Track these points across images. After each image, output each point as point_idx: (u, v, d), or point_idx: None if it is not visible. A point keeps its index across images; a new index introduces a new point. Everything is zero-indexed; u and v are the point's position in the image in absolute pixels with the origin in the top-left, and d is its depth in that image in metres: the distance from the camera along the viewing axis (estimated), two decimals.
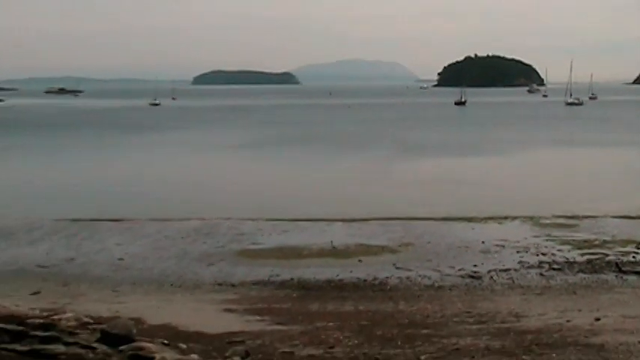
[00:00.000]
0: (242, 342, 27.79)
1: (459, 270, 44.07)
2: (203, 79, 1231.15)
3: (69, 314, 28.56)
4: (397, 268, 44.86)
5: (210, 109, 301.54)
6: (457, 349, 26.81)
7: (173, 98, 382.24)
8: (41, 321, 26.99)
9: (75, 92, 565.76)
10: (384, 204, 66.66)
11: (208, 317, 32.99)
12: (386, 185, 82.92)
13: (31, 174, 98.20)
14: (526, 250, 49.35)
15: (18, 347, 25.12)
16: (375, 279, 42.24)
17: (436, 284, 41.09)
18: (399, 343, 27.74)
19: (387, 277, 42.52)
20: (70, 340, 25.60)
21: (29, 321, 26.95)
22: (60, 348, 24.94)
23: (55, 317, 27.53)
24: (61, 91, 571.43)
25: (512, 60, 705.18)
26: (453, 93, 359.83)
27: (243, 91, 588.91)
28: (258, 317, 33.26)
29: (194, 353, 25.91)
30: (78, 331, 26.46)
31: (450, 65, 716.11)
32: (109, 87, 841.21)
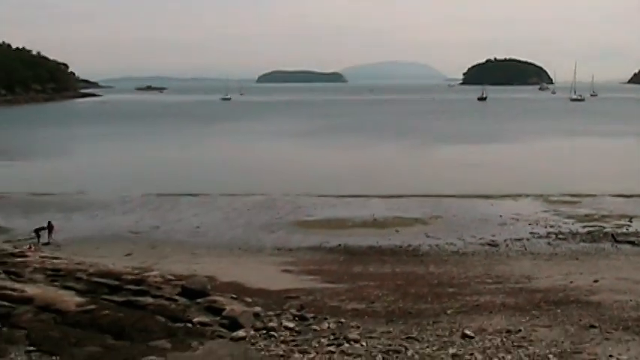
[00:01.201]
0: (297, 297, 27.96)
1: (480, 239, 44.06)
2: (265, 78, 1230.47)
3: (155, 272, 28.95)
4: (428, 237, 44.92)
5: (271, 103, 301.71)
6: (478, 305, 26.83)
7: (241, 94, 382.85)
8: (133, 277, 27.36)
9: (160, 89, 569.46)
10: (418, 183, 66.48)
11: (269, 276, 33.18)
12: (419, 167, 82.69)
13: (123, 156, 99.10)
14: (536, 222, 49.24)
15: (115, 298, 25.49)
16: (409, 246, 42.33)
17: (460, 251, 41.11)
18: (429, 299, 27.81)
19: (419, 245, 42.63)
20: (157, 293, 25.92)
21: (124, 277, 27.33)
22: (148, 300, 25.26)
23: (145, 274, 27.90)
24: (149, 88, 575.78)
25: (526, 62, 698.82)
26: (475, 90, 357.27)
27: (299, 89, 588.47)
28: (310, 277, 33.42)
29: (257, 306, 26.11)
30: (163, 286, 26.78)
31: (473, 66, 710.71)
32: (187, 85, 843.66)
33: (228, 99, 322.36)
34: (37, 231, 43.22)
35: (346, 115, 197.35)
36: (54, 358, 20.83)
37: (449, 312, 25.67)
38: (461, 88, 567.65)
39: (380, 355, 20.87)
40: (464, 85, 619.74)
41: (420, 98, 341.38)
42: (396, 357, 20.79)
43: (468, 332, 22.78)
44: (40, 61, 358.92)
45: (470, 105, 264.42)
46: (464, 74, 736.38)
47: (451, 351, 21.21)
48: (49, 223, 44.10)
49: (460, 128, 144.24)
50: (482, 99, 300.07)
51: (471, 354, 20.96)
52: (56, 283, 27.06)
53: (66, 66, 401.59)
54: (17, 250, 33.15)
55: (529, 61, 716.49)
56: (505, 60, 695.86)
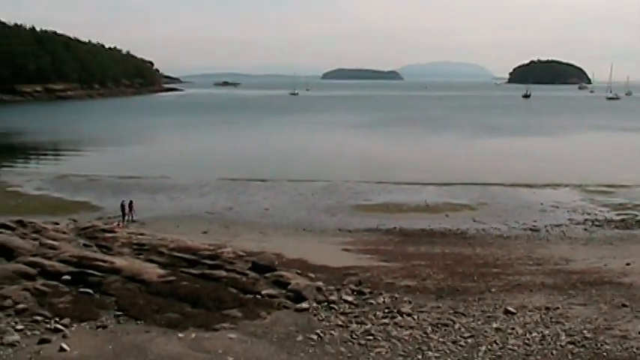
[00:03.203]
0: (355, 274, 27.94)
1: (522, 224, 43.60)
2: (330, 75, 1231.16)
3: (228, 249, 29.17)
4: (475, 221, 44.58)
5: (334, 98, 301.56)
6: (519, 284, 26.57)
7: (307, 89, 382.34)
8: (209, 253, 27.63)
9: (234, 84, 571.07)
10: (466, 172, 66.02)
11: (330, 254, 33.20)
12: (467, 157, 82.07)
13: (202, 144, 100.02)
14: (574, 210, 48.60)
15: (193, 271, 25.77)
16: (458, 229, 42.07)
17: (504, 234, 40.73)
18: (475, 278, 27.61)
19: (467, 228, 42.35)
20: (230, 267, 26.14)
21: (200, 252, 27.62)
22: (222, 273, 25.49)
23: (219, 250, 28.15)
24: (225, 84, 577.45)
25: (567, 64, 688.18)
26: (520, 88, 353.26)
27: (359, 85, 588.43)
28: (368, 256, 33.38)
29: (319, 281, 26.18)
30: (235, 261, 27.00)
31: (518, 67, 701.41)
32: (259, 81, 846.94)
33: (296, 94, 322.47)
34: (123, 207, 43.72)
35: (402, 110, 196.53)
36: (138, 322, 21.17)
37: (493, 290, 25.48)
38: (507, 86, 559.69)
39: (430, 328, 20.85)
40: (510, 84, 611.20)
41: (469, 95, 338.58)
42: (445, 330, 20.75)
43: (510, 308, 22.62)
44: (129, 59, 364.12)
45: (515, 101, 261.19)
46: (510, 74, 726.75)
47: (494, 325, 21.10)
48: (130, 201, 44.57)
49: (506, 122, 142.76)
50: (526, 96, 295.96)
51: (513, 328, 20.84)
52: (141, 257, 27.49)
53: (151, 63, 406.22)
54: (107, 227, 33.73)
55: (569, 62, 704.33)
56: (548, 61, 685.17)
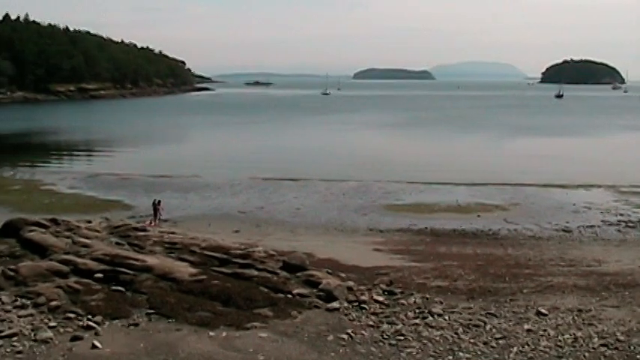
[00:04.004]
0: (387, 274, 27.90)
1: (555, 225, 43.18)
2: (361, 74, 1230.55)
3: (260, 248, 29.27)
4: (507, 222, 44.24)
5: (365, 97, 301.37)
6: (551, 285, 26.37)
7: (338, 89, 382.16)
8: (240, 252, 27.73)
9: (266, 84, 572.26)
10: (498, 172, 65.66)
11: (361, 254, 33.17)
12: (500, 157, 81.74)
13: (233, 143, 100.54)
14: (607, 211, 48.02)
15: (224, 270, 25.89)
16: (489, 230, 41.78)
17: (536, 235, 40.36)
18: (507, 279, 27.43)
19: (498, 229, 42.02)
20: (261, 266, 26.21)
21: (232, 251, 27.74)
22: (253, 272, 25.57)
23: (250, 250, 28.24)
24: (256, 83, 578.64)
25: (600, 63, 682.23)
26: (553, 88, 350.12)
27: (391, 85, 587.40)
28: (399, 256, 33.31)
29: (350, 280, 26.17)
30: (266, 260, 27.07)
31: (551, 66, 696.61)
32: (291, 80, 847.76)
33: (328, 94, 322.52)
34: (154, 205, 43.86)
35: (434, 109, 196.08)
36: (170, 320, 21.30)
37: (525, 291, 25.32)
38: (539, 86, 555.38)
39: (461, 329, 20.77)
40: (542, 84, 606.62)
41: (501, 94, 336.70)
42: (476, 331, 20.67)
43: (542, 310, 22.48)
44: (161, 58, 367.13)
45: (548, 101, 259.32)
46: (542, 73, 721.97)
47: (526, 327, 20.98)
48: (158, 201, 44.64)
49: (538, 122, 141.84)
50: (559, 96, 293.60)
51: (545, 330, 20.71)
52: (172, 255, 27.63)
53: (183, 63, 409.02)
54: (139, 225, 33.98)
55: (603, 62, 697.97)
56: (581, 61, 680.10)
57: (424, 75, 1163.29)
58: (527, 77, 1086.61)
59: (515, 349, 19.28)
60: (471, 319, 21.62)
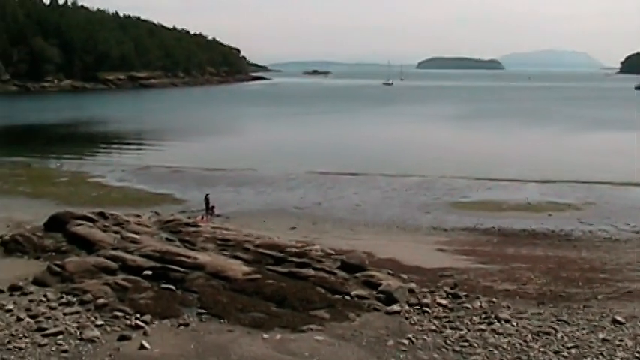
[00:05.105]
0: (451, 276, 27.83)
1: (633, 227, 42.44)
2: (425, 64, 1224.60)
3: (317, 246, 29.41)
4: (581, 222, 43.71)
5: (430, 88, 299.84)
6: (629, 291, 26.00)
7: (401, 79, 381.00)
8: (296, 250, 27.93)
9: (325, 73, 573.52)
10: (572, 169, 64.84)
11: (424, 254, 33.11)
12: (573, 153, 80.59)
13: (290, 135, 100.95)
14: None
15: (279, 269, 26.10)
16: (561, 230, 41.31)
17: (613, 237, 39.75)
18: (580, 284, 27.14)
19: (571, 230, 41.51)
20: (318, 266, 26.36)
21: (287, 250, 27.95)
22: (310, 271, 25.72)
23: (307, 248, 28.42)
24: (314, 73, 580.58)
25: None
26: (633, 79, 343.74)
27: (456, 75, 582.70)
28: (464, 257, 33.16)
29: (412, 282, 26.18)
30: (323, 259, 27.21)
31: (631, 55, 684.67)
32: (351, 69, 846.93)
33: (390, 84, 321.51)
34: (207, 200, 44.15)
35: (502, 101, 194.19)
36: (222, 321, 21.58)
37: (599, 297, 25.02)
38: (617, 76, 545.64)
39: (530, 336, 20.63)
40: (621, 74, 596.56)
41: (576, 86, 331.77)
42: (546, 338, 20.50)
43: (618, 318, 22.18)
44: (215, 46, 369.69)
45: (626, 93, 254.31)
46: (621, 63, 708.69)
47: (601, 335, 20.74)
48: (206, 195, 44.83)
49: (616, 116, 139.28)
50: (639, 88, 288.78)
51: (621, 340, 20.43)
52: (225, 252, 27.95)
53: (238, 50, 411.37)
54: (191, 221, 34.38)
55: None
56: None
57: (493, 64, 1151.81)
58: (604, 67, 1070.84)
59: (588, 359, 19.10)
60: (540, 326, 21.46)
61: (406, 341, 20.16)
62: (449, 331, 21.07)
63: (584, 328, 21.39)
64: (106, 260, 26.21)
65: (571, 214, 46.38)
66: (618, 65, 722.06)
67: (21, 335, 20.14)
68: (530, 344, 20.07)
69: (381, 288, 24.32)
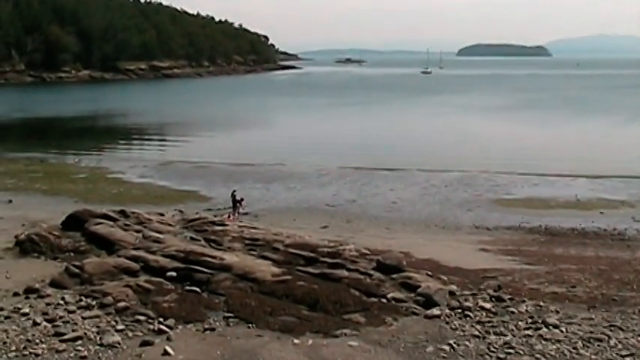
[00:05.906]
0: (495, 277, 27.67)
1: None
2: (466, 51, 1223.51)
3: (351, 246, 29.35)
4: (635, 220, 43.23)
5: (471, 77, 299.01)
6: None
7: (440, 67, 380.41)
8: (329, 250, 27.87)
9: (359, 62, 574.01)
10: (624, 163, 64.24)
11: (466, 255, 32.97)
12: (626, 146, 79.87)
13: (322, 128, 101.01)
14: None
15: (310, 270, 26.06)
16: (614, 229, 40.92)
17: None
18: (635, 287, 26.83)
19: (625, 228, 41.07)
20: (352, 267, 26.30)
21: (319, 250, 27.90)
22: (344, 273, 25.67)
23: (340, 248, 28.36)
24: (348, 61, 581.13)
25: None
26: None
27: (500, 62, 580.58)
28: (509, 257, 32.96)
29: (453, 284, 26.05)
30: (358, 260, 27.14)
31: None
32: (386, 57, 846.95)
33: (429, 72, 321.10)
34: (234, 197, 44.10)
35: (549, 90, 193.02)
36: (250, 325, 21.57)
37: None
38: None
39: (580, 342, 20.44)
40: None
41: (629, 73, 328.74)
42: (598, 346, 20.28)
43: None
44: (242, 33, 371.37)
45: None
46: None
47: None
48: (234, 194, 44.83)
49: None
50: None
51: None
52: (253, 253, 27.96)
53: (266, 38, 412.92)
54: (217, 219, 34.42)
55: None
56: None
57: (538, 51, 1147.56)
58: None
59: None
60: (592, 332, 21.25)
61: (447, 347, 20.04)
62: (492, 337, 20.91)
63: (639, 335, 21.19)
64: (127, 261, 26.32)
65: (625, 212, 45.92)
66: None
67: (37, 341, 20.19)
68: (581, 352, 19.88)
69: (419, 290, 24.23)
